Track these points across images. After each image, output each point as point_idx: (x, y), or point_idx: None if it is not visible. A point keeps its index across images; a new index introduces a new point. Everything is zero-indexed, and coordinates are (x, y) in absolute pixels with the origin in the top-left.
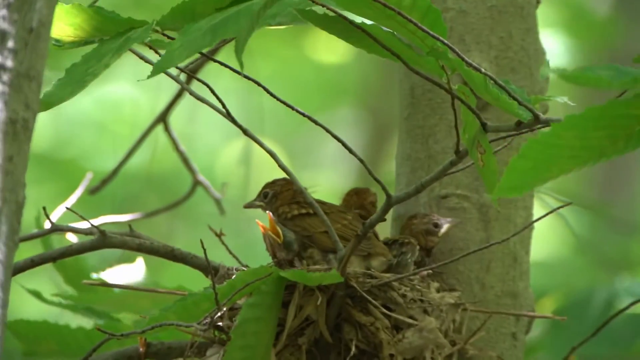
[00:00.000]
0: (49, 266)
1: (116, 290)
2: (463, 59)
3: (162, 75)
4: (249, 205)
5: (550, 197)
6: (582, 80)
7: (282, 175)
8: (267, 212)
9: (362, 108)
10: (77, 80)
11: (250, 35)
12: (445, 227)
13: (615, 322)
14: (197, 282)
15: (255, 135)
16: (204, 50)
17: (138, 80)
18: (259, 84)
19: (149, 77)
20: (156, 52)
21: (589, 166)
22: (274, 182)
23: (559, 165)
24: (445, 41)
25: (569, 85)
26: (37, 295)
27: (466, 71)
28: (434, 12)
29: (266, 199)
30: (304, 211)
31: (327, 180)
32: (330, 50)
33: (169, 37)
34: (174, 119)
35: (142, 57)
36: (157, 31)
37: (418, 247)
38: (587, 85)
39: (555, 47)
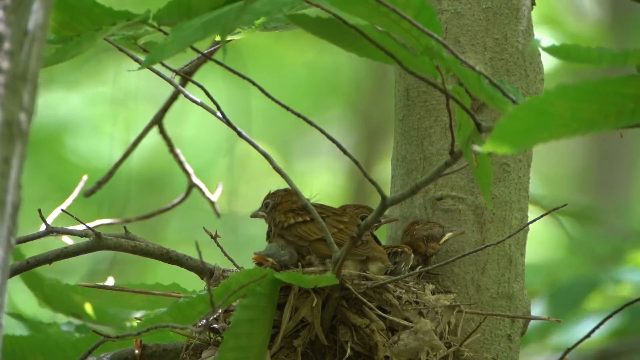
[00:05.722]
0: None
1: None
2: (457, 57)
3: (158, 77)
4: (254, 215)
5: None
6: (571, 55)
7: (275, 175)
8: (252, 256)
9: (354, 109)
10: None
11: (236, 22)
12: (447, 235)
13: None
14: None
15: (249, 137)
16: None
17: (129, 71)
18: (254, 84)
19: (139, 68)
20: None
21: (579, 136)
22: (275, 192)
23: (549, 130)
24: (439, 38)
25: None
26: (18, 317)
27: (461, 70)
28: (428, 9)
29: (267, 209)
30: (300, 219)
31: (319, 181)
32: (322, 49)
33: (164, 32)
34: (166, 119)
35: (136, 59)
36: (153, 26)
37: (412, 254)
38: (576, 60)
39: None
